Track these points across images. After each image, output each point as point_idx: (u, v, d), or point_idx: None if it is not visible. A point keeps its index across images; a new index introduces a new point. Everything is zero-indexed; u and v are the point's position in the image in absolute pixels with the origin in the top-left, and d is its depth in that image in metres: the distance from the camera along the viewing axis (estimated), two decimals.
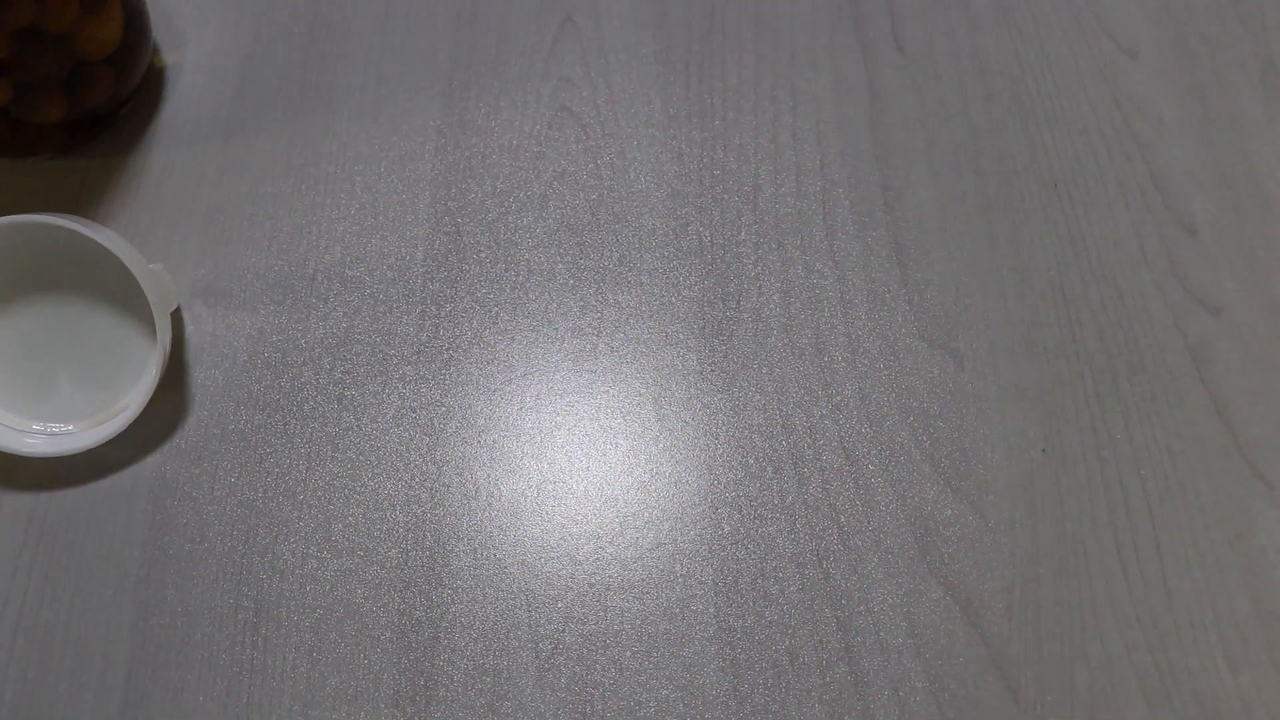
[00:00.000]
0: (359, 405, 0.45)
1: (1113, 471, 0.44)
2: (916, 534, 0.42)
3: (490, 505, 0.43)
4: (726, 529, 0.42)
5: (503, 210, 0.49)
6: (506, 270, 0.48)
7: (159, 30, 0.53)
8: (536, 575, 0.42)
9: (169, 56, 0.53)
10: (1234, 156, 0.50)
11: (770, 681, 0.40)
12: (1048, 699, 0.40)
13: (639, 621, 0.41)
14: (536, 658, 0.40)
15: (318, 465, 0.44)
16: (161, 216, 0.49)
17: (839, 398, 0.45)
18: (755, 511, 0.43)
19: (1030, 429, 0.44)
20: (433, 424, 0.45)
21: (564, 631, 0.41)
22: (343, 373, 0.46)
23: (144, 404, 0.43)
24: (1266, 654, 0.40)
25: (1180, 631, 0.41)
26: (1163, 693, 0.40)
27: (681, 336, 0.46)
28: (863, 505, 0.43)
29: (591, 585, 0.41)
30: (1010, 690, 0.40)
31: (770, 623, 0.41)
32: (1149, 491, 0.43)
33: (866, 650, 0.40)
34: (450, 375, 0.45)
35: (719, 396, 0.45)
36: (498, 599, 0.41)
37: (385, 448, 0.44)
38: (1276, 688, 0.40)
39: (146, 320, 0.44)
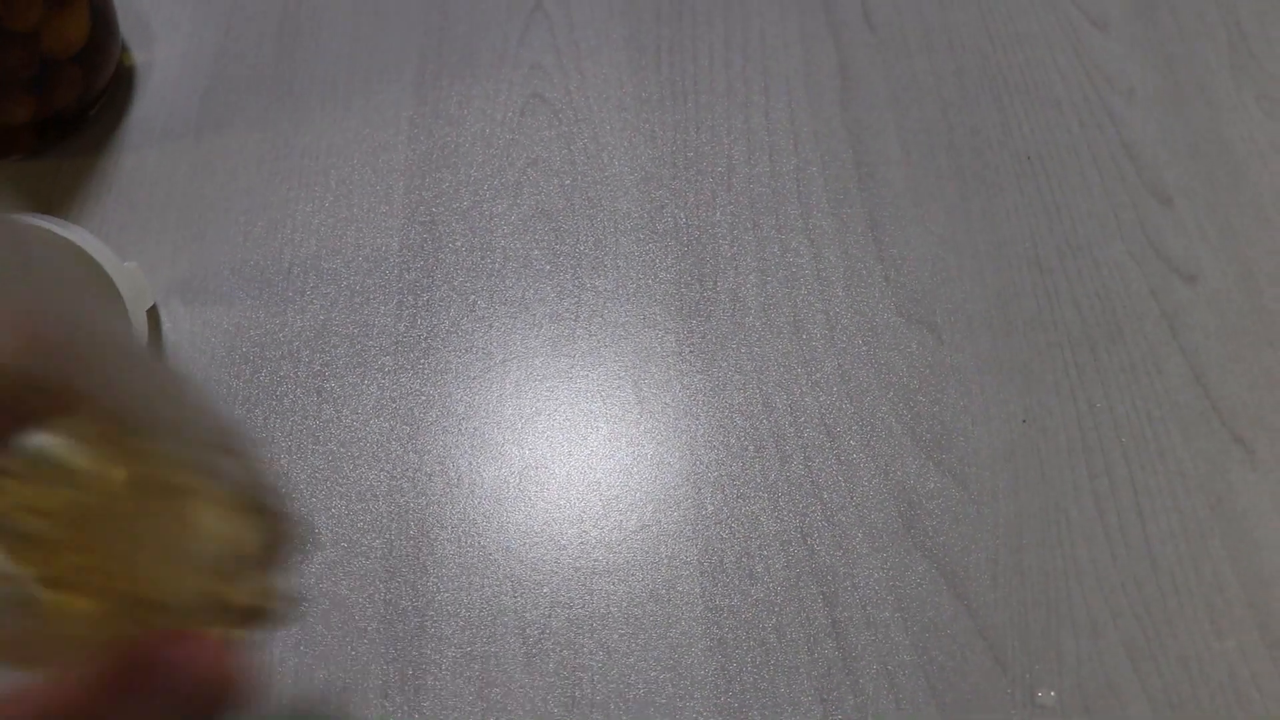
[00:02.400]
0: (338, 397, 0.45)
1: (1093, 440, 0.44)
2: (900, 508, 0.42)
3: (473, 493, 0.43)
4: (710, 509, 0.42)
5: (477, 198, 0.49)
6: (483, 258, 0.47)
7: (128, 29, 0.53)
8: (521, 561, 0.42)
9: (139, 55, 0.53)
10: (1205, 125, 0.50)
11: (759, 660, 0.40)
12: (1035, 667, 0.40)
13: (625, 604, 0.41)
14: (524, 643, 0.40)
15: (299, 459, 0.44)
16: (135, 215, 0.49)
17: (818, 375, 0.45)
18: (738, 490, 0.43)
19: (1010, 400, 0.44)
20: (413, 413, 0.44)
21: (550, 616, 0.41)
22: (321, 365, 0.46)
23: None
24: (1250, 616, 0.40)
25: (1165, 597, 0.41)
26: (1149, 657, 0.40)
27: (659, 318, 0.46)
28: (845, 481, 0.43)
29: (577, 569, 0.41)
30: (998, 660, 0.40)
31: (756, 601, 0.41)
32: (1130, 459, 0.43)
33: (854, 625, 0.40)
34: (429, 364, 0.45)
35: (698, 377, 0.45)
36: (483, 586, 0.41)
37: (366, 439, 0.44)
38: (1261, 650, 0.40)
39: (122, 319, 0.44)
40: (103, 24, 0.48)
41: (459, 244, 0.48)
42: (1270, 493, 0.43)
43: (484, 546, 0.42)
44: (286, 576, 0.23)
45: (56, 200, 0.49)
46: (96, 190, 0.50)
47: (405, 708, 0.39)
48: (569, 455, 0.43)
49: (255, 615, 0.22)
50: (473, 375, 0.45)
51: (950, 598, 0.41)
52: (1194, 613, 0.41)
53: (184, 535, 0.20)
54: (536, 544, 0.42)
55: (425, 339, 0.46)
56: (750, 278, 0.47)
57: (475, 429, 0.44)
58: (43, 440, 0.19)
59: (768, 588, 0.41)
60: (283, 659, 0.41)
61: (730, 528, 0.42)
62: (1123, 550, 0.42)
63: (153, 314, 0.47)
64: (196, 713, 0.19)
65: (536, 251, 0.48)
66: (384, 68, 0.52)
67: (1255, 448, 0.43)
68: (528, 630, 0.41)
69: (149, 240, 0.48)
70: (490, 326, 0.46)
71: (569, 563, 0.42)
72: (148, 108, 0.52)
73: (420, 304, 0.47)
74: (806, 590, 0.41)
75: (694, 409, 0.44)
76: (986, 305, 0.46)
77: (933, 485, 0.43)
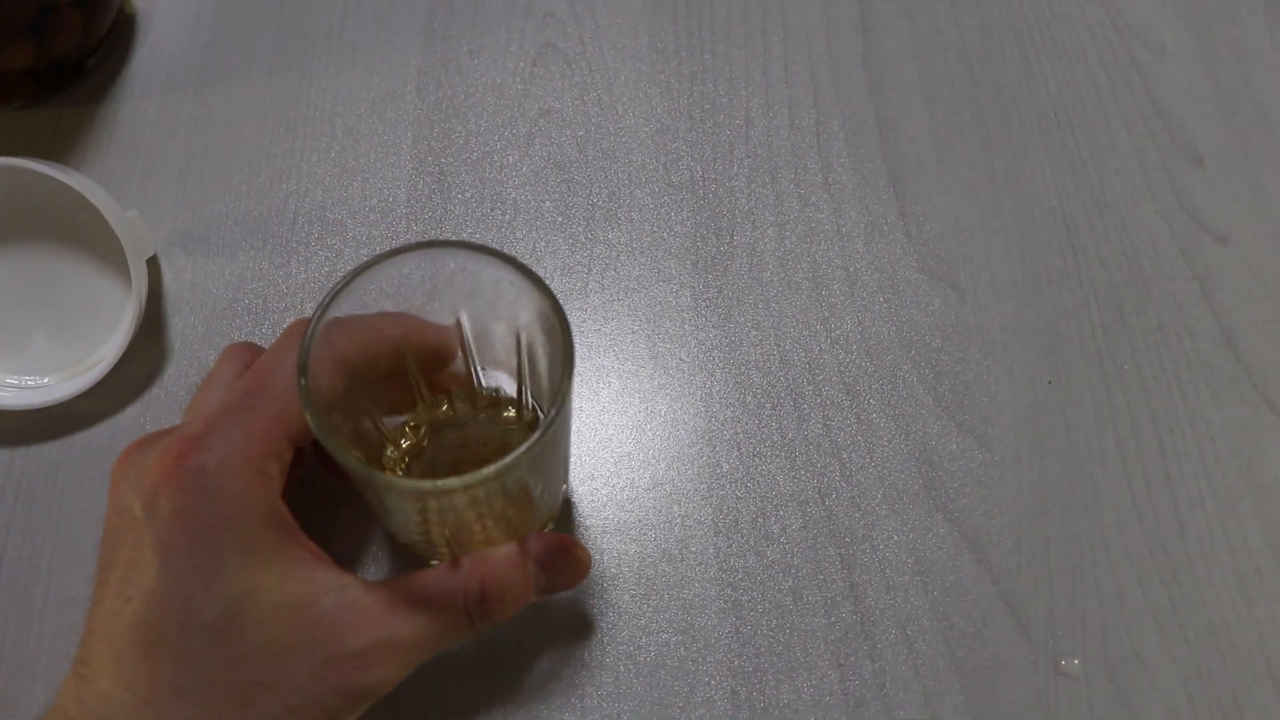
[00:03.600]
0: None
1: (1121, 403, 0.42)
2: (921, 469, 0.41)
3: None
4: (725, 468, 0.41)
5: (487, 150, 0.47)
6: (492, 210, 0.46)
7: None
8: None
9: (140, 1, 0.52)
10: (1237, 83, 0.49)
11: (774, 622, 0.39)
12: (1059, 634, 0.38)
13: (637, 564, 0.40)
14: (532, 605, 0.39)
15: None
16: (136, 164, 0.48)
17: (838, 332, 0.43)
18: (754, 449, 0.41)
19: (1035, 362, 0.43)
20: None
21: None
22: None
23: (120, 355, 0.41)
24: (1279, 584, 0.39)
25: (1193, 564, 0.40)
26: (1177, 626, 0.39)
27: (674, 272, 0.45)
28: (865, 441, 0.41)
29: (588, 528, 0.40)
30: (1020, 626, 0.39)
31: (772, 562, 0.39)
32: (1158, 423, 0.42)
33: (872, 588, 0.39)
34: None
35: (714, 332, 0.44)
36: None
37: None
38: None
39: (123, 269, 0.43)
40: None
41: (468, 195, 0.46)
42: None
43: None
44: None
45: (57, 149, 0.48)
46: (98, 139, 0.48)
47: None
48: (580, 411, 0.42)
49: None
50: None
51: (972, 562, 0.40)
52: (1223, 580, 0.39)
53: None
54: None
55: None
56: (768, 232, 0.45)
57: None
58: None
59: (784, 549, 0.40)
60: None
61: (746, 487, 0.41)
62: (1150, 516, 0.40)
63: (154, 264, 0.45)
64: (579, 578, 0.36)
65: (548, 203, 0.46)
66: (392, 16, 0.51)
67: None
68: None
69: (150, 190, 0.47)
70: None
71: (579, 520, 0.40)
72: (150, 55, 0.50)
73: None
74: (824, 552, 0.40)
75: (709, 365, 0.43)
76: (1011, 264, 0.45)
77: (955, 447, 0.41)
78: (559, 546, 0.35)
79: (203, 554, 0.30)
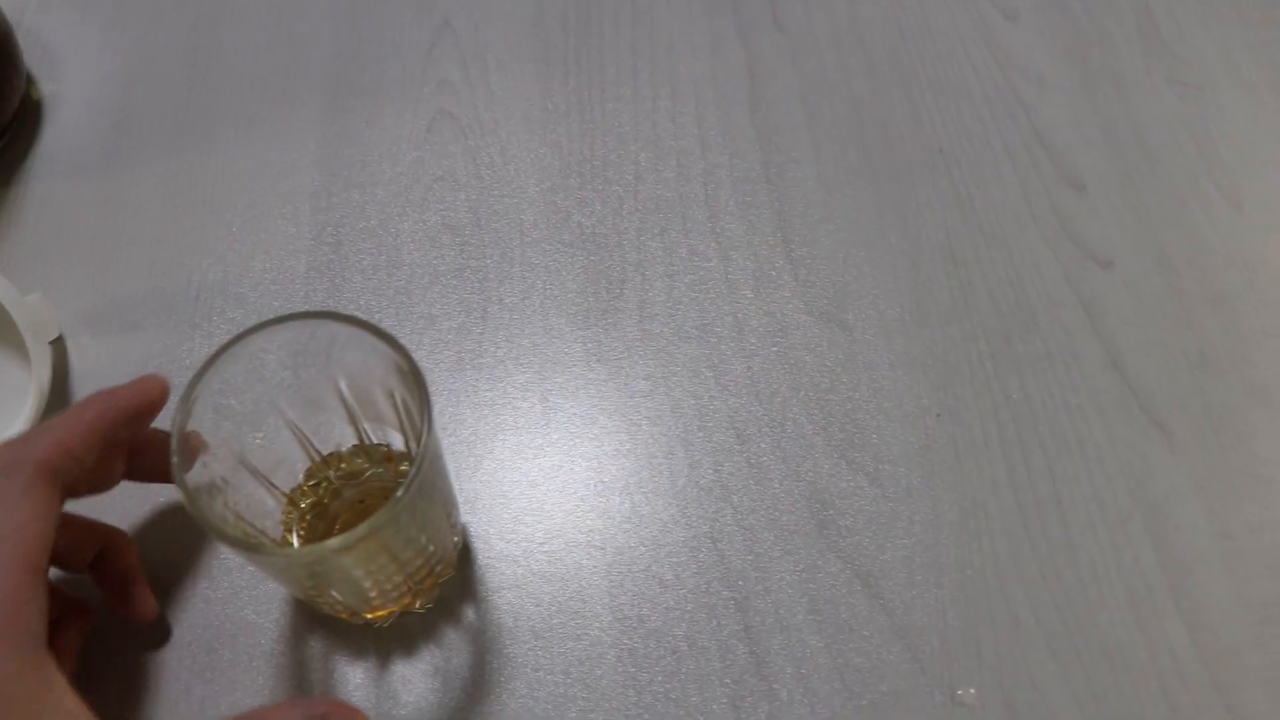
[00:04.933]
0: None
1: (1010, 431, 0.43)
2: (813, 509, 0.42)
3: None
4: (618, 517, 0.42)
5: (383, 216, 0.49)
6: (390, 276, 0.47)
7: (37, 61, 0.53)
8: None
9: (47, 87, 0.53)
10: (1117, 110, 0.50)
11: (670, 668, 0.39)
12: (954, 665, 0.39)
13: (533, 617, 0.40)
14: (431, 660, 0.40)
15: None
16: (42, 247, 0.49)
17: (727, 378, 0.44)
18: (646, 497, 0.42)
19: (924, 395, 0.44)
20: None
21: (457, 632, 0.40)
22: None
23: None
24: (1172, 601, 0.40)
25: (1085, 587, 0.40)
26: (1071, 650, 0.39)
27: (566, 328, 0.46)
28: (756, 484, 0.42)
29: (483, 583, 0.41)
30: (915, 659, 0.39)
31: (667, 608, 0.40)
32: (1047, 448, 0.43)
33: (766, 630, 0.40)
34: None
35: (606, 385, 0.44)
36: None
37: None
38: (1182, 634, 0.39)
39: (24, 353, 0.44)
40: (4, 57, 0.48)
41: (365, 262, 0.48)
42: (1190, 475, 0.42)
43: None
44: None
45: None
46: (4, 223, 0.49)
47: None
48: (476, 469, 0.43)
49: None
50: None
51: (865, 598, 0.40)
52: (1115, 602, 0.40)
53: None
54: None
55: None
56: (657, 284, 0.46)
57: None
58: None
59: (678, 595, 0.40)
60: (189, 687, 0.40)
61: (638, 535, 0.41)
62: (1042, 542, 0.41)
63: (59, 345, 0.46)
64: None
65: (443, 266, 0.47)
66: (293, 92, 0.52)
67: (1174, 430, 0.43)
68: (435, 648, 0.40)
69: (56, 271, 0.48)
70: None
71: (475, 576, 0.41)
72: (56, 139, 0.52)
73: None
74: (717, 596, 0.40)
75: (601, 417, 0.44)
76: (899, 300, 0.46)
77: (846, 484, 0.42)
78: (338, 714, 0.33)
79: None
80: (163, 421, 0.35)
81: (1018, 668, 0.39)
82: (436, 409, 0.44)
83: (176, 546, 0.42)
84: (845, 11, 0.53)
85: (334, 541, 0.29)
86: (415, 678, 0.39)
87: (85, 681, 0.39)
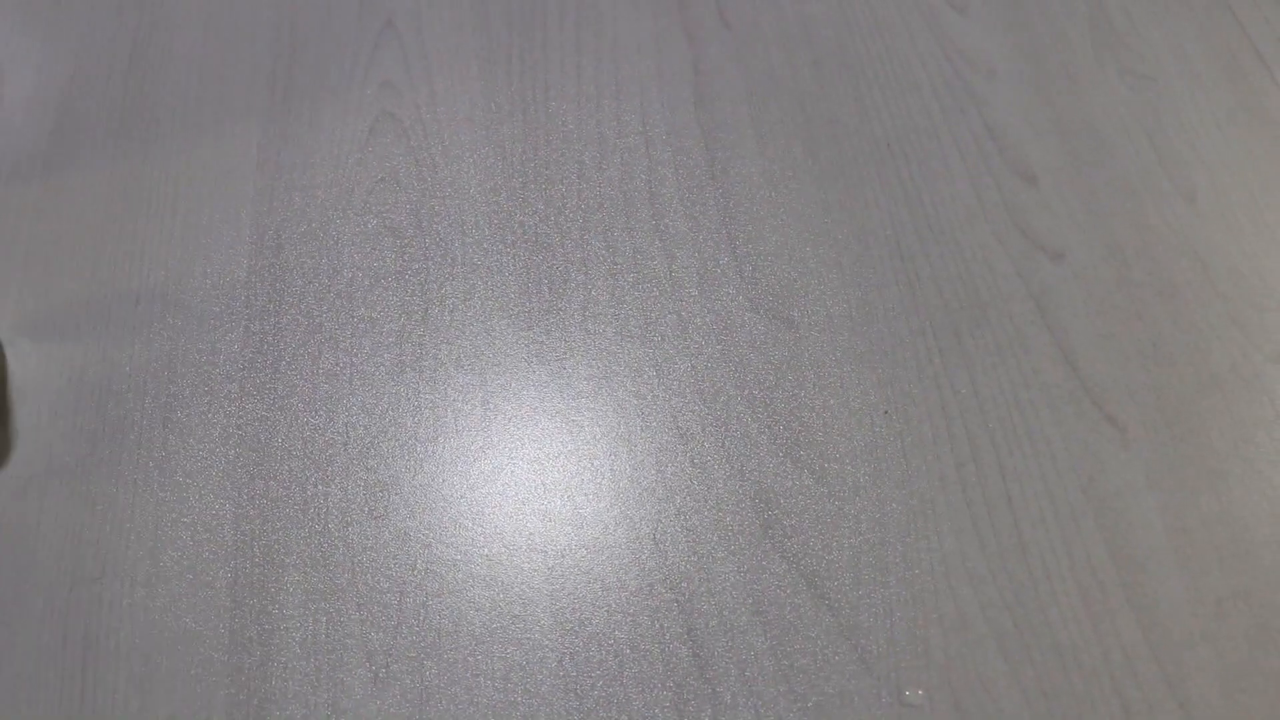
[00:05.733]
0: (185, 427, 0.44)
1: (959, 427, 0.42)
2: (757, 508, 0.41)
3: (320, 517, 0.42)
4: (559, 518, 0.41)
5: (324, 220, 0.48)
6: (330, 280, 0.47)
7: None
8: (368, 584, 0.40)
9: None
10: (1068, 102, 0.49)
11: (611, 671, 0.38)
12: (902, 665, 0.38)
13: (472, 623, 0.39)
14: (370, 668, 0.39)
15: (145, 492, 0.43)
16: None
17: (670, 377, 0.44)
18: (587, 498, 0.41)
19: (871, 392, 0.43)
20: (260, 440, 0.43)
21: (396, 638, 0.39)
22: (169, 396, 0.44)
23: None
24: (1124, 597, 0.39)
25: (1036, 584, 0.39)
26: (1022, 648, 0.38)
27: (508, 330, 0.45)
28: (700, 483, 0.41)
29: (423, 589, 0.40)
30: (862, 659, 0.38)
31: (609, 610, 0.39)
32: (997, 444, 0.42)
33: (710, 632, 0.39)
34: (276, 389, 0.44)
35: (548, 386, 0.44)
36: (330, 612, 0.40)
37: (213, 468, 0.43)
38: (1136, 633, 0.38)
39: None
40: None
41: (306, 266, 0.47)
42: (1143, 470, 0.41)
43: (330, 571, 0.41)
44: None
45: None
46: None
47: None
48: (416, 473, 0.42)
49: None
50: (319, 398, 0.44)
51: (810, 598, 0.39)
52: (1067, 599, 0.39)
53: None
54: (383, 565, 0.41)
55: (272, 364, 0.45)
56: (600, 283, 0.46)
57: (322, 452, 0.43)
58: None
59: (620, 597, 0.40)
60: (126, 699, 0.39)
61: (580, 537, 0.41)
62: (992, 539, 0.40)
63: None
64: None
65: (384, 268, 0.47)
66: (233, 95, 0.52)
67: (1126, 425, 0.42)
68: (374, 655, 0.39)
69: None
70: (337, 347, 0.45)
71: (415, 583, 0.40)
72: None
73: (267, 328, 0.46)
74: (660, 598, 0.40)
75: (543, 419, 0.43)
76: (845, 296, 0.45)
77: (791, 483, 0.41)
78: None
79: None
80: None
81: (967, 667, 0.38)
82: (377, 414, 0.44)
83: (115, 556, 0.42)
84: (792, 7, 0.52)
85: None
86: (354, 685, 0.39)
87: (7, 698, 0.38)
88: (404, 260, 0.47)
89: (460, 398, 0.44)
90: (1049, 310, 0.45)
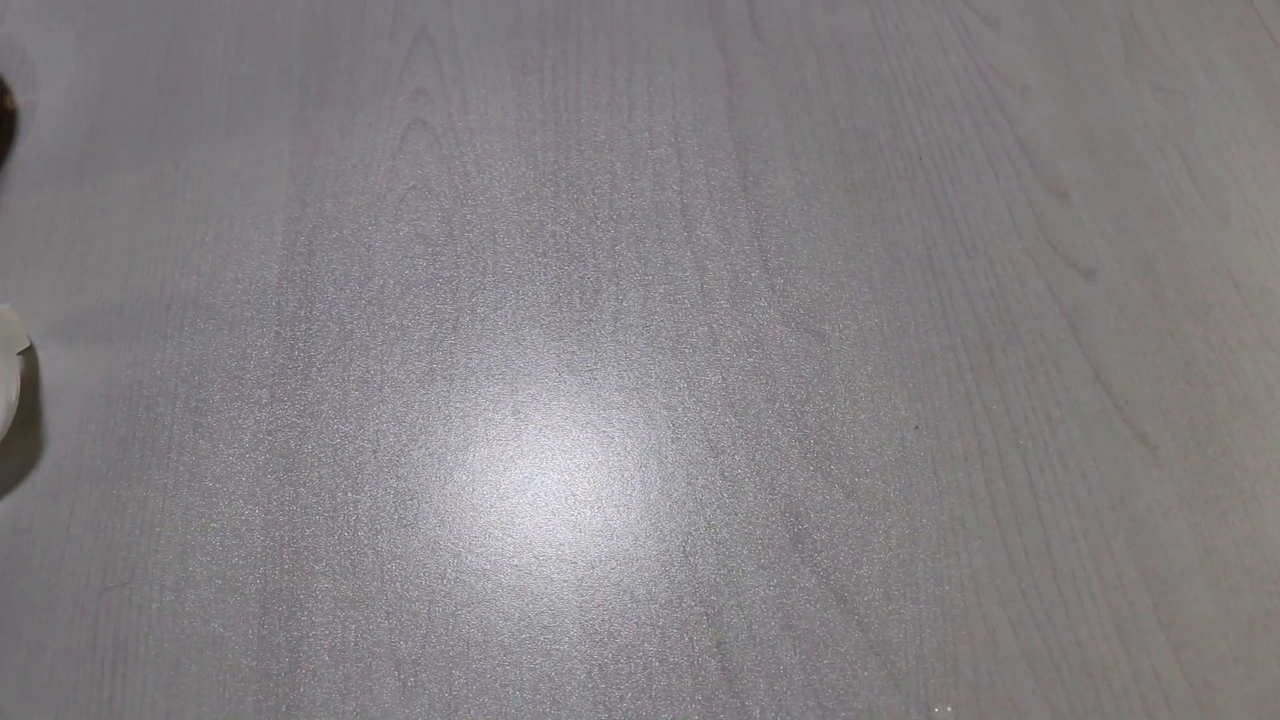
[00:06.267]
0: (215, 432, 0.44)
1: (990, 444, 0.42)
2: (787, 522, 0.41)
3: (349, 524, 0.42)
4: (589, 530, 0.41)
5: (356, 227, 0.48)
6: (362, 287, 0.47)
7: (12, 71, 0.53)
8: (397, 593, 0.40)
9: (22, 98, 0.53)
10: (1100, 118, 0.49)
11: (640, 684, 0.38)
12: (931, 682, 0.38)
13: (501, 633, 0.39)
14: (399, 676, 0.39)
15: (174, 496, 0.43)
16: (14, 257, 0.48)
17: (701, 389, 0.44)
18: (618, 510, 0.41)
19: (902, 407, 0.43)
20: (289, 446, 0.43)
21: (425, 647, 0.39)
22: (199, 401, 0.45)
23: None
24: (1155, 618, 0.39)
25: (1066, 603, 0.39)
26: (1051, 667, 0.38)
27: (539, 339, 0.45)
28: (730, 496, 0.41)
29: (452, 598, 0.40)
30: (891, 675, 0.38)
31: (638, 624, 0.39)
32: (1028, 461, 0.42)
33: (739, 646, 0.39)
34: (307, 395, 0.44)
35: (579, 397, 0.44)
36: (358, 619, 0.40)
37: (243, 473, 0.43)
38: (1167, 654, 0.38)
39: None
40: None
41: (338, 272, 0.47)
42: (1174, 490, 0.41)
43: (360, 579, 0.41)
44: None
45: None
46: None
47: None
48: (446, 481, 0.42)
49: None
50: (349, 405, 0.44)
51: (840, 613, 0.39)
52: (1097, 618, 0.39)
53: None
54: (412, 574, 0.41)
55: (303, 369, 0.45)
56: (631, 294, 0.46)
57: (352, 459, 0.43)
58: None
59: (649, 609, 0.40)
60: (154, 702, 0.39)
61: (610, 548, 0.41)
62: (1022, 556, 0.40)
63: (30, 355, 0.46)
64: None
65: (415, 276, 0.47)
66: (266, 101, 0.52)
67: (1158, 444, 0.42)
68: (402, 662, 0.39)
69: (28, 281, 0.48)
70: (368, 354, 0.45)
71: (445, 592, 0.40)
72: (30, 151, 0.51)
73: (298, 334, 0.46)
74: (690, 611, 0.40)
75: (573, 429, 0.43)
76: (877, 311, 0.45)
77: (821, 498, 0.41)
78: None
79: None
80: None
81: (996, 685, 0.38)
82: (407, 422, 0.44)
83: (145, 561, 0.42)
84: (825, 20, 0.52)
85: None
86: (382, 693, 0.39)
87: (39, 700, 0.38)
88: (435, 268, 0.47)
89: (491, 407, 0.44)
90: (1081, 327, 0.45)
